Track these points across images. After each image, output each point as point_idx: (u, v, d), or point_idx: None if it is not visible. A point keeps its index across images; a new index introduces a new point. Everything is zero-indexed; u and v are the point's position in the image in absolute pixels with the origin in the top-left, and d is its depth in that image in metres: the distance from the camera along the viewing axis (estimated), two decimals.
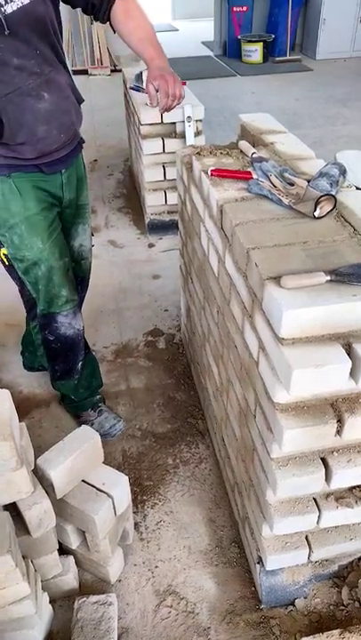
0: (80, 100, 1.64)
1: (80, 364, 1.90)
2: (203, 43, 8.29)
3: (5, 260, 1.72)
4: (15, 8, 1.31)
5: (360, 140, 4.60)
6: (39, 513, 1.24)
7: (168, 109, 1.59)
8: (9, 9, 1.30)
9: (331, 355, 0.99)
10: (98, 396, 2.02)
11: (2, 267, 1.85)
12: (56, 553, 1.39)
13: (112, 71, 6.82)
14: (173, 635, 1.41)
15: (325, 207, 1.27)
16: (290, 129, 1.83)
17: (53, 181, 1.62)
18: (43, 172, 1.57)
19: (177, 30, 9.51)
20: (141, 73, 3.16)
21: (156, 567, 1.57)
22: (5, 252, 1.68)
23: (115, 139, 4.53)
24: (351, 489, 1.26)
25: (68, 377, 1.91)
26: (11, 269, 1.76)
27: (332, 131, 4.83)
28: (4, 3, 1.29)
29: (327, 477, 1.17)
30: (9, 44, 1.35)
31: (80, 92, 1.67)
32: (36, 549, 1.33)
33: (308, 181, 1.34)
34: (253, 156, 1.55)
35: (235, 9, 7.11)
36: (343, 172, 1.38)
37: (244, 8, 7.11)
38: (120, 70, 4.00)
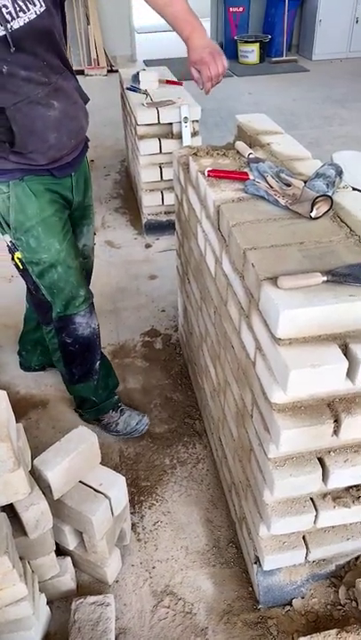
0: (86, 100, 1.64)
1: (98, 363, 1.87)
2: None
3: (20, 264, 1.70)
4: (22, 23, 1.30)
5: (357, 140, 4.61)
6: (36, 514, 1.24)
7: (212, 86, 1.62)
8: (15, 24, 1.29)
9: (327, 355, 0.99)
10: (116, 397, 2.00)
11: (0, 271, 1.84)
12: (53, 554, 1.38)
13: (108, 71, 6.81)
14: (171, 635, 1.41)
15: (322, 208, 1.27)
16: (287, 129, 1.84)
17: (64, 184, 1.63)
18: (54, 176, 1.57)
19: (173, 31, 9.50)
20: (138, 73, 3.17)
21: (154, 568, 1.57)
22: (20, 256, 1.66)
23: (111, 139, 4.52)
24: (348, 489, 1.26)
25: (87, 379, 1.88)
26: (25, 273, 1.73)
27: (329, 131, 4.84)
28: (10, 19, 1.28)
29: (324, 477, 1.17)
30: (16, 58, 1.33)
31: None
32: (33, 550, 1.33)
33: (305, 182, 1.34)
34: (250, 156, 1.55)
35: (231, 9, 7.11)
36: (340, 172, 1.38)
37: (241, 8, 7.12)
38: (117, 71, 4.00)
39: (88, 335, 1.79)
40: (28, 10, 1.31)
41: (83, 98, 1.61)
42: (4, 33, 1.28)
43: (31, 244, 1.60)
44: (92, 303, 1.79)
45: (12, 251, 1.67)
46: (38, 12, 1.32)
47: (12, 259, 1.70)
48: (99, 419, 1.98)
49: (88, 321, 1.78)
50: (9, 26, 1.28)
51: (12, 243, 1.64)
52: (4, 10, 1.26)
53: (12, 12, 1.28)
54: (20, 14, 1.29)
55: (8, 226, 1.59)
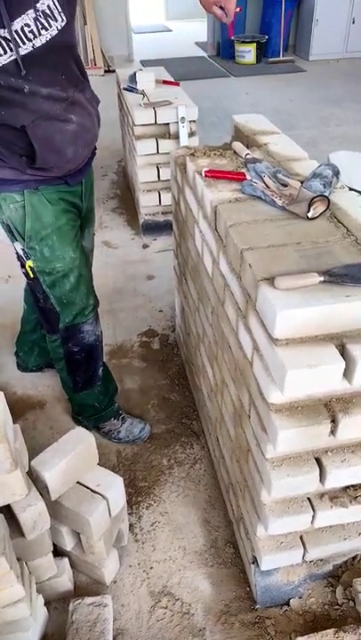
0: (98, 104, 1.63)
1: (101, 369, 1.87)
2: (196, 43, 8.30)
3: (31, 273, 1.66)
4: (44, 41, 1.30)
5: (353, 140, 4.62)
6: (33, 515, 1.24)
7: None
8: (38, 42, 1.29)
9: (324, 355, 1.00)
10: (116, 404, 1.99)
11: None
12: (51, 555, 1.38)
13: (105, 72, 6.82)
14: (169, 636, 1.41)
15: (319, 208, 1.27)
16: (283, 130, 1.84)
17: (75, 192, 1.62)
18: (67, 184, 1.57)
19: (170, 31, 9.52)
20: (135, 74, 3.17)
21: (151, 568, 1.57)
22: (31, 265, 1.63)
23: (108, 139, 4.51)
24: (345, 489, 1.27)
25: (90, 385, 1.87)
26: (35, 283, 1.68)
27: (326, 131, 4.84)
28: (32, 37, 1.27)
29: (321, 477, 1.17)
30: (37, 75, 1.33)
31: None
32: (30, 551, 1.33)
33: (302, 182, 1.35)
34: (247, 156, 1.56)
35: None
36: (336, 172, 1.39)
37: (238, 9, 7.09)
38: (113, 71, 4.00)
39: (92, 342, 1.79)
40: (50, 27, 1.30)
41: (96, 103, 1.61)
42: (26, 51, 1.27)
43: (45, 253, 1.58)
44: (98, 312, 1.79)
45: (22, 259, 1.64)
46: (60, 28, 1.32)
47: (22, 267, 1.67)
48: (99, 427, 1.97)
49: (94, 328, 1.78)
50: (31, 44, 1.28)
51: (24, 251, 1.61)
52: (26, 29, 1.26)
53: (35, 30, 1.27)
54: (43, 32, 1.29)
55: (20, 235, 1.57)
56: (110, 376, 1.98)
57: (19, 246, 1.62)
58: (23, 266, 1.67)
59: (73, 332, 1.74)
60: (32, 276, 1.66)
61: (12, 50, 1.25)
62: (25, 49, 1.27)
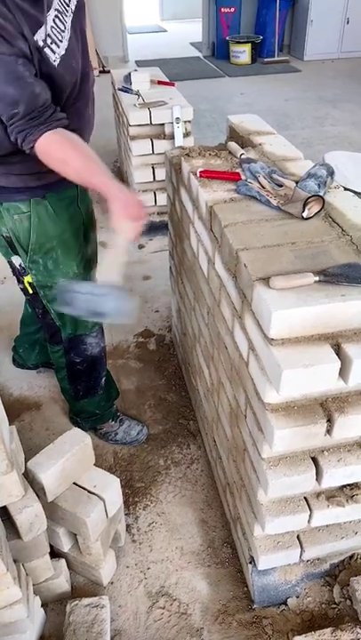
0: None
1: (103, 379, 1.86)
2: (191, 44, 8.30)
3: (30, 288, 1.60)
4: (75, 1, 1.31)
5: (348, 140, 4.63)
6: (30, 516, 1.23)
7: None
8: (72, 5, 1.30)
9: (320, 355, 1.00)
10: (115, 406, 1.98)
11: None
12: (47, 556, 1.38)
13: (100, 72, 6.80)
14: (166, 636, 1.41)
15: (314, 208, 1.27)
16: (279, 130, 1.84)
17: (73, 195, 1.55)
18: (74, 186, 1.48)
19: (165, 31, 9.52)
20: (130, 74, 3.17)
21: (149, 569, 1.57)
22: (30, 281, 1.57)
23: (103, 139, 4.50)
24: (342, 488, 1.27)
25: (92, 394, 1.86)
26: (35, 298, 1.62)
27: (321, 131, 4.85)
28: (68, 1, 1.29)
29: (318, 477, 1.17)
30: (81, 42, 1.31)
31: None
32: (27, 553, 1.33)
33: (297, 182, 1.35)
34: (242, 157, 1.56)
35: (223, 10, 7.13)
36: (331, 172, 1.39)
37: (232, 9, 7.13)
38: (108, 71, 3.99)
39: (97, 354, 1.77)
40: None
41: None
42: (71, 17, 1.27)
43: (48, 267, 1.53)
44: (103, 325, 1.76)
45: (20, 274, 1.57)
46: None
47: (20, 282, 1.60)
48: (96, 428, 1.96)
49: (99, 341, 1.76)
50: (71, 8, 1.28)
51: (24, 266, 1.55)
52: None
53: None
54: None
55: (22, 248, 1.51)
56: (112, 382, 1.96)
57: (17, 261, 1.55)
58: (21, 281, 1.60)
59: (75, 343, 1.71)
60: (31, 291, 1.60)
61: (67, 11, 1.25)
62: (69, 15, 1.27)
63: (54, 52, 1.22)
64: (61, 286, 1.27)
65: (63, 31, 1.24)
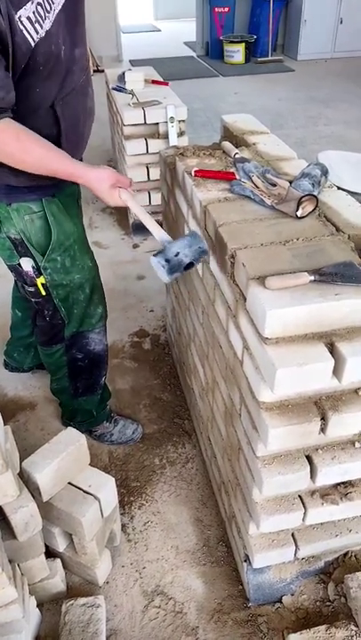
0: None
1: (104, 378, 1.85)
2: (185, 43, 8.30)
3: (43, 290, 1.54)
4: None
5: (342, 140, 4.65)
6: (25, 516, 1.23)
7: None
8: None
9: (314, 353, 1.00)
10: (108, 407, 1.97)
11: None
12: (43, 556, 1.38)
13: (94, 71, 6.78)
14: (162, 635, 1.41)
15: (307, 207, 1.28)
16: (272, 129, 1.85)
17: (74, 192, 1.54)
18: (73, 182, 1.42)
19: (159, 31, 9.51)
20: (124, 73, 3.16)
21: (144, 568, 1.57)
22: (44, 281, 1.52)
23: (98, 139, 4.50)
24: (336, 486, 1.28)
25: (91, 392, 1.85)
26: (47, 299, 1.57)
27: (315, 131, 4.87)
28: None
29: (312, 475, 1.18)
30: (72, 31, 1.24)
31: None
32: (22, 553, 1.32)
33: (291, 182, 1.35)
34: (236, 156, 1.56)
35: (216, 9, 7.13)
36: (325, 172, 1.39)
37: (226, 9, 7.14)
38: (102, 71, 3.99)
39: (99, 352, 1.76)
40: None
41: None
42: (62, 2, 1.19)
43: (66, 264, 1.51)
44: (106, 323, 1.76)
45: (31, 277, 1.52)
46: None
47: (31, 285, 1.54)
48: (91, 430, 1.95)
49: (102, 338, 1.75)
50: None
51: (38, 267, 1.50)
52: None
53: None
54: None
55: (35, 249, 1.46)
56: (106, 385, 1.95)
57: (29, 263, 1.49)
58: (32, 284, 1.54)
59: (78, 338, 1.70)
60: (44, 293, 1.55)
61: (52, 2, 1.17)
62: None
63: (36, 32, 1.15)
64: (164, 262, 1.29)
65: (49, 12, 1.18)
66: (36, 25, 1.14)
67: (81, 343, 1.72)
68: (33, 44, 1.15)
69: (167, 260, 1.28)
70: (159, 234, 1.35)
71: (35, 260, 1.50)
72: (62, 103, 1.31)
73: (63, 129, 1.33)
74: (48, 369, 1.87)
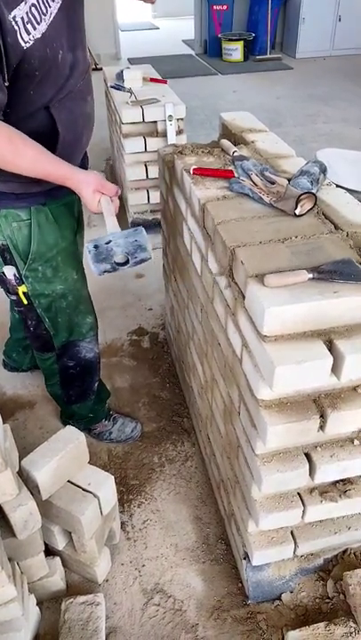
0: None
1: (96, 384, 1.84)
2: (183, 41, 8.28)
3: (24, 298, 1.53)
4: None
5: (341, 138, 4.64)
6: (24, 515, 1.23)
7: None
8: None
9: (313, 351, 1.00)
10: (107, 405, 1.97)
11: None
12: (42, 554, 1.38)
13: (93, 70, 6.76)
14: (161, 632, 1.41)
15: (306, 205, 1.28)
16: (271, 127, 1.85)
17: (72, 202, 1.51)
18: (70, 191, 1.38)
19: (158, 29, 9.50)
20: (122, 72, 3.16)
21: (144, 566, 1.57)
22: (25, 290, 1.51)
23: (96, 137, 4.47)
24: (335, 483, 1.28)
25: (84, 399, 1.85)
26: (29, 309, 1.56)
27: (313, 129, 4.86)
28: None
29: (311, 472, 1.18)
30: (70, 35, 1.23)
31: None
32: (21, 551, 1.33)
33: (289, 180, 1.35)
34: (235, 154, 1.56)
35: (215, 7, 7.12)
36: (324, 170, 1.39)
37: (225, 7, 7.13)
38: (100, 69, 3.98)
39: (90, 359, 1.75)
40: None
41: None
42: (58, 5, 1.17)
43: (47, 275, 1.49)
44: (98, 330, 1.75)
45: (13, 286, 1.52)
46: None
47: (13, 294, 1.53)
48: (90, 429, 1.95)
49: (93, 347, 1.74)
50: None
51: (19, 275, 1.50)
52: None
53: None
54: None
55: (20, 257, 1.46)
56: (102, 384, 1.95)
57: (10, 271, 1.49)
58: (14, 292, 1.54)
59: (69, 347, 1.69)
60: (26, 302, 1.55)
61: (49, 5, 1.16)
62: (57, 2, 1.18)
63: (29, 33, 1.13)
64: (92, 247, 1.24)
65: (44, 14, 1.17)
66: (29, 26, 1.13)
67: (72, 351, 1.70)
68: (26, 46, 1.13)
69: (95, 247, 1.23)
70: (111, 226, 1.30)
71: (17, 268, 1.49)
72: (58, 106, 1.29)
73: (60, 132, 1.31)
74: (43, 373, 1.87)
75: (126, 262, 1.22)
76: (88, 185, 1.31)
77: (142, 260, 1.27)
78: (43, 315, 1.59)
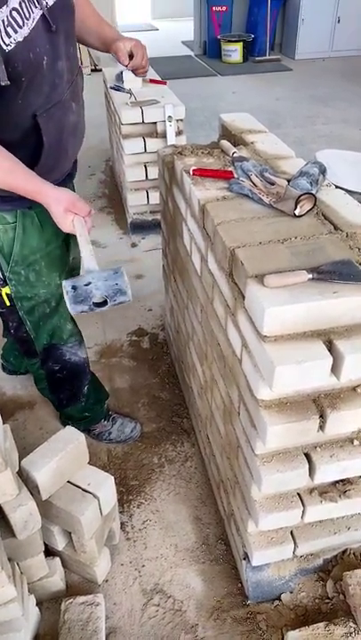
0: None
1: (86, 387, 1.83)
2: (183, 42, 8.29)
3: (7, 300, 1.54)
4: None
5: (340, 139, 4.65)
6: (24, 515, 1.23)
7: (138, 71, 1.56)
8: (50, 0, 1.20)
9: (312, 351, 1.01)
10: (106, 405, 1.97)
11: None
12: (42, 555, 1.38)
13: (92, 71, 6.77)
14: (161, 633, 1.41)
15: (306, 206, 1.28)
16: (270, 128, 1.85)
17: None
18: None
19: (157, 30, 9.50)
20: (122, 72, 3.16)
21: (143, 566, 1.57)
22: (8, 292, 1.51)
23: (96, 138, 4.50)
24: (334, 483, 1.28)
25: (74, 402, 1.84)
26: (11, 311, 1.57)
27: (313, 130, 4.87)
28: None
29: (311, 472, 1.18)
30: (55, 42, 1.22)
31: None
32: (21, 552, 1.33)
33: (289, 181, 1.36)
34: (234, 155, 1.56)
35: (214, 9, 7.12)
36: (323, 170, 1.40)
37: (224, 8, 7.13)
38: (100, 70, 3.98)
39: (76, 362, 1.74)
40: None
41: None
42: (41, 12, 1.16)
43: (30, 279, 1.49)
44: (82, 338, 1.74)
45: None
46: None
47: None
48: (89, 429, 1.94)
49: (77, 352, 1.72)
50: (45, 2, 1.17)
51: (3, 277, 1.50)
52: None
53: None
54: None
55: (4, 258, 1.46)
56: (100, 385, 1.94)
57: None
58: None
59: (52, 351, 1.68)
60: (8, 303, 1.55)
61: (38, 4, 1.15)
62: (38, 10, 1.18)
63: (9, 36, 1.12)
64: (70, 287, 1.20)
65: (27, 19, 1.16)
66: (9, 29, 1.12)
67: (56, 355, 1.69)
68: (8, 49, 1.12)
69: (74, 287, 1.20)
70: (87, 261, 1.26)
71: (1, 270, 1.50)
72: (46, 115, 1.28)
73: (45, 142, 1.29)
74: (33, 376, 1.87)
75: (105, 303, 1.20)
76: (59, 202, 1.26)
77: (121, 303, 1.24)
78: (25, 317, 1.59)
